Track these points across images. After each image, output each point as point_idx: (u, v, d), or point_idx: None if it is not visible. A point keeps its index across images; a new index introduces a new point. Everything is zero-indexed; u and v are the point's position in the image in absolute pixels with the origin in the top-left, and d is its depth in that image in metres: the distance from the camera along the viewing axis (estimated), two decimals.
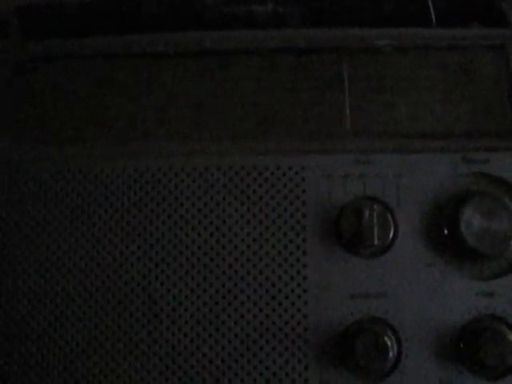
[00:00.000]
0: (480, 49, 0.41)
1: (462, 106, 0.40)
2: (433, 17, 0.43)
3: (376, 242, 0.37)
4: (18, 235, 0.39)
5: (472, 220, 0.37)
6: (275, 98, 0.41)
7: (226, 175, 0.39)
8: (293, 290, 0.37)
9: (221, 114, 0.41)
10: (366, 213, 0.37)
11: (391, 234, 0.37)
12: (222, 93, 0.41)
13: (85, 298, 0.38)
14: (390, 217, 0.38)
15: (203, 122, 0.40)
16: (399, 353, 0.36)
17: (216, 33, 0.42)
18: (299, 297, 0.37)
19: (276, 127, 0.40)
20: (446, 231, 0.38)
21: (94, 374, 0.37)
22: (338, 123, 0.40)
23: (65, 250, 0.39)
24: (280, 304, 0.37)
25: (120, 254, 0.38)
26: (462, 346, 0.36)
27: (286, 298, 0.37)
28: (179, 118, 0.41)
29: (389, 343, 0.36)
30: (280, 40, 0.42)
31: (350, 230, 0.37)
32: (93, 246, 0.39)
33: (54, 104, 0.42)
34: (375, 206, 0.37)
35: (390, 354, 0.36)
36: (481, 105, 0.40)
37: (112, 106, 0.41)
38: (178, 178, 0.39)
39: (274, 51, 0.42)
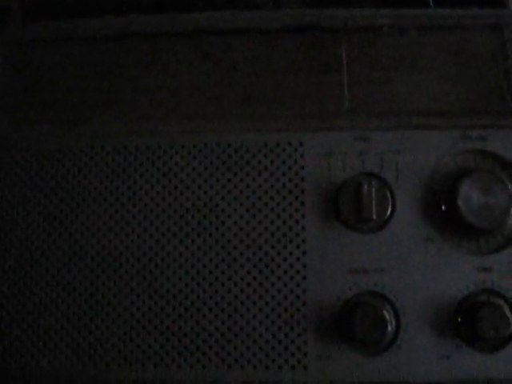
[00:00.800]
0: (477, 29, 0.41)
1: (459, 85, 0.40)
2: None
3: (374, 217, 0.37)
4: (20, 213, 0.40)
5: (469, 196, 0.37)
6: (274, 77, 0.41)
7: (226, 152, 0.39)
8: (292, 265, 0.38)
9: (220, 92, 0.41)
10: (365, 188, 0.37)
11: (389, 210, 0.38)
12: (221, 72, 0.41)
13: (85, 272, 0.38)
14: (388, 193, 0.38)
15: (202, 100, 0.41)
16: (397, 327, 0.37)
17: (214, 13, 0.43)
18: (298, 272, 0.37)
19: (275, 105, 0.40)
20: (443, 207, 0.38)
21: (94, 347, 0.37)
22: (337, 102, 0.40)
23: (66, 226, 0.39)
24: (279, 278, 0.37)
25: (120, 229, 0.39)
26: (459, 320, 0.37)
27: (285, 272, 0.37)
28: (178, 98, 0.41)
29: (387, 317, 0.36)
30: (279, 20, 0.42)
31: (348, 206, 0.38)
32: (93, 222, 0.39)
33: (54, 85, 0.42)
34: (373, 182, 0.38)
35: (389, 328, 0.36)
36: (478, 83, 0.40)
37: (111, 87, 0.42)
38: (178, 155, 0.39)
39: (273, 31, 0.42)
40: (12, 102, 0.42)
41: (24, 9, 0.47)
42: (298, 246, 0.38)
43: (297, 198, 0.38)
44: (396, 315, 0.37)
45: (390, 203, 0.38)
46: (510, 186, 0.37)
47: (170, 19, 0.43)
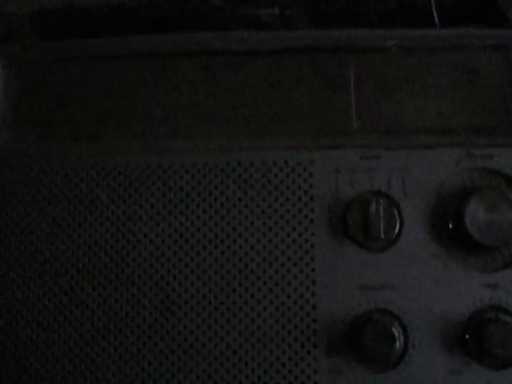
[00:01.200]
0: (483, 49, 0.42)
1: (466, 104, 0.41)
2: (436, 18, 0.45)
3: (382, 235, 0.38)
4: (25, 230, 0.40)
5: (476, 213, 0.37)
6: (283, 97, 0.42)
7: (236, 171, 0.40)
8: (302, 283, 0.38)
9: (229, 111, 0.42)
10: (373, 207, 0.38)
11: (397, 228, 0.38)
12: (231, 91, 0.42)
13: (97, 292, 0.39)
14: (395, 211, 0.39)
15: (212, 119, 0.42)
16: (406, 343, 0.37)
17: (224, 33, 0.43)
18: (308, 289, 0.38)
19: (284, 124, 0.41)
20: (450, 225, 0.38)
21: (102, 365, 0.38)
22: (345, 121, 0.41)
23: (73, 245, 0.40)
24: (289, 296, 0.38)
25: (132, 248, 0.39)
26: (467, 336, 0.37)
27: (295, 290, 0.38)
28: (188, 116, 0.42)
29: (396, 333, 0.37)
30: (287, 41, 0.43)
31: (356, 224, 0.38)
32: (102, 241, 0.40)
33: (62, 103, 0.43)
34: (381, 201, 0.38)
35: (397, 345, 0.37)
36: (484, 103, 0.41)
37: (120, 105, 0.42)
38: (188, 174, 0.40)
39: (282, 52, 0.43)
40: (20, 120, 0.43)
41: (35, 27, 0.48)
42: (307, 264, 0.38)
43: (306, 216, 0.39)
44: (405, 332, 0.37)
45: (398, 221, 0.38)
46: None
47: (179, 39, 0.43)
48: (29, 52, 0.45)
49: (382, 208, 0.38)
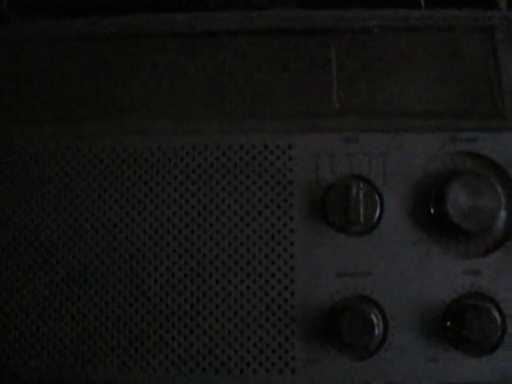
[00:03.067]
0: (468, 30, 0.41)
1: (449, 87, 0.40)
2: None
3: (362, 220, 0.37)
4: (8, 214, 0.40)
5: (458, 198, 0.37)
6: (263, 78, 0.41)
7: (214, 154, 0.39)
8: (280, 268, 0.37)
9: (209, 93, 0.41)
10: (353, 191, 0.37)
11: (377, 213, 0.38)
12: (211, 72, 0.41)
13: (74, 275, 0.38)
14: (376, 195, 0.38)
15: (190, 101, 0.41)
16: (385, 330, 0.37)
17: (206, 14, 0.42)
18: (286, 275, 0.37)
19: (264, 106, 0.40)
20: (432, 210, 0.38)
21: (84, 350, 0.37)
22: (326, 103, 0.40)
23: (54, 226, 0.39)
24: (267, 282, 0.37)
25: (106, 231, 0.39)
26: (447, 323, 0.36)
27: (273, 275, 0.37)
28: (168, 98, 0.41)
29: (375, 321, 0.36)
30: (269, 20, 0.42)
31: (336, 209, 0.37)
32: (80, 223, 0.39)
33: (43, 85, 0.42)
34: (362, 185, 0.37)
35: (376, 332, 0.36)
36: (468, 85, 0.40)
37: (103, 87, 0.41)
38: (165, 156, 0.39)
39: (263, 32, 0.42)
40: (2, 101, 0.42)
41: (13, 7, 0.46)
42: (285, 249, 0.37)
43: (285, 200, 0.38)
44: (384, 319, 0.37)
45: (379, 206, 0.38)
46: (499, 189, 0.37)
47: (162, 19, 0.42)
48: (6, 31, 0.44)
49: (362, 192, 0.37)
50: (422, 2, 0.44)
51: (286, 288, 0.37)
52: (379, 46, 0.41)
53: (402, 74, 0.40)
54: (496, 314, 0.36)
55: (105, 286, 0.38)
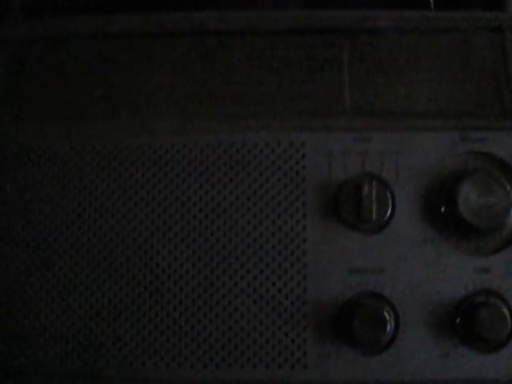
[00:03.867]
0: (478, 31, 0.42)
1: (460, 87, 0.41)
2: (431, 0, 0.44)
3: (374, 217, 0.37)
4: (21, 210, 0.40)
5: (469, 197, 0.37)
6: (276, 77, 0.41)
7: (227, 152, 0.39)
8: (292, 265, 0.38)
9: (222, 92, 0.41)
10: (365, 189, 0.38)
11: (389, 211, 0.38)
12: (222, 71, 0.41)
13: (86, 272, 0.39)
14: (388, 193, 0.38)
15: (203, 99, 0.41)
16: (396, 327, 0.37)
17: (217, 13, 0.43)
18: (298, 271, 0.38)
19: (277, 105, 0.40)
20: (443, 208, 0.38)
21: (93, 344, 0.38)
22: (338, 102, 0.40)
23: (64, 224, 0.39)
24: (279, 278, 0.38)
25: (119, 230, 0.39)
26: (458, 320, 0.37)
27: (286, 272, 0.38)
28: (180, 97, 0.41)
29: (386, 317, 0.36)
30: (279, 21, 0.42)
31: (348, 206, 0.38)
32: (90, 221, 0.39)
33: (54, 83, 0.42)
34: (374, 183, 0.38)
35: (388, 328, 0.36)
36: (478, 85, 0.41)
37: (111, 85, 0.42)
38: (179, 154, 0.39)
39: (274, 32, 0.42)
40: (7, 99, 0.42)
41: (23, 5, 0.47)
42: (298, 246, 0.38)
43: (298, 198, 0.38)
44: (395, 315, 0.37)
45: (390, 204, 0.38)
46: (508, 188, 0.37)
47: (169, 18, 0.43)
48: (14, 30, 0.44)
49: (374, 190, 0.38)
50: (432, 4, 0.44)
51: (299, 284, 0.38)
52: (390, 46, 0.41)
53: (413, 74, 0.41)
54: (506, 311, 0.36)
55: (117, 281, 0.38)
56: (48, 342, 0.38)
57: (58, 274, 0.39)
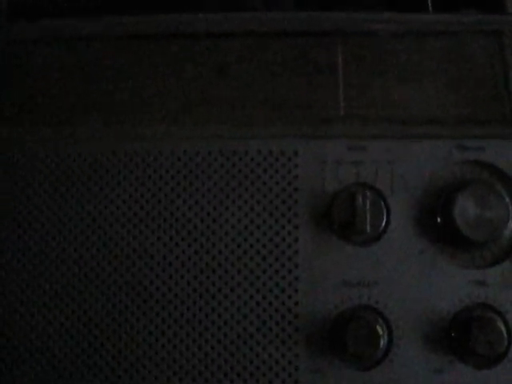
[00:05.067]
0: (476, 35, 0.40)
1: (457, 93, 0.39)
2: (429, 3, 0.43)
3: (368, 229, 0.36)
4: (8, 217, 0.39)
5: (465, 208, 0.36)
6: (268, 82, 0.40)
7: (218, 160, 0.38)
8: (284, 277, 0.37)
9: (211, 97, 0.40)
10: (359, 200, 0.36)
11: (384, 222, 0.37)
12: (213, 76, 0.40)
13: (74, 284, 0.38)
14: (382, 204, 0.37)
15: (192, 105, 0.40)
16: (390, 341, 0.36)
17: (208, 15, 0.41)
18: (290, 284, 0.37)
19: (269, 111, 0.39)
20: (439, 219, 0.37)
21: (81, 358, 0.37)
22: (332, 108, 0.39)
23: (53, 230, 0.38)
24: (271, 291, 0.37)
25: (107, 239, 0.38)
26: (453, 334, 0.36)
27: (277, 284, 0.37)
28: (169, 101, 0.40)
29: (380, 331, 0.35)
30: (272, 23, 0.41)
31: (342, 217, 0.37)
32: (79, 230, 0.38)
33: (39, 86, 0.41)
34: (368, 193, 0.37)
35: (381, 343, 0.35)
36: (476, 91, 0.39)
37: (100, 89, 0.40)
38: (167, 162, 0.38)
39: (267, 34, 0.41)
40: None
41: (12, 7, 0.45)
42: (290, 258, 0.37)
43: (290, 208, 0.37)
44: (389, 329, 0.36)
45: (385, 215, 0.37)
46: (506, 199, 0.36)
47: (160, 21, 0.41)
48: (4, 32, 0.42)
49: (368, 201, 0.37)
50: (430, 6, 0.43)
51: (290, 297, 0.37)
52: (386, 50, 0.40)
53: (409, 79, 0.40)
54: (501, 326, 0.35)
55: (104, 292, 0.37)
56: (34, 356, 0.37)
57: (44, 284, 0.38)
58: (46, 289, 0.38)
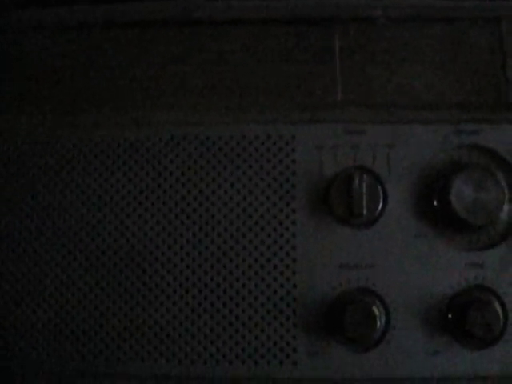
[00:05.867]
0: (474, 20, 0.41)
1: (454, 78, 0.40)
2: None
3: (365, 212, 0.37)
4: (11, 204, 0.39)
5: (462, 191, 0.36)
6: (266, 68, 0.40)
7: (216, 145, 0.39)
8: (282, 260, 0.37)
9: (210, 83, 0.40)
10: (356, 183, 0.37)
11: (380, 205, 0.37)
12: (212, 62, 0.41)
13: (73, 263, 0.38)
14: (379, 187, 0.37)
15: (192, 91, 0.40)
16: (387, 323, 0.36)
17: (205, 2, 0.42)
18: (288, 266, 0.37)
19: (266, 97, 0.40)
20: (436, 202, 0.37)
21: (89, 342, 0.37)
22: (330, 93, 0.40)
23: (53, 218, 0.39)
24: (269, 273, 0.37)
25: (107, 224, 0.38)
26: (450, 316, 0.36)
27: (275, 267, 0.37)
28: (167, 88, 0.40)
29: (377, 313, 0.36)
30: (271, 9, 0.41)
31: (339, 200, 0.37)
32: (81, 214, 0.38)
33: (40, 75, 0.41)
34: (365, 176, 0.37)
35: (378, 324, 0.36)
36: (474, 77, 0.40)
37: (99, 77, 0.41)
38: (167, 147, 0.39)
39: (265, 21, 0.41)
40: None
41: None
42: (288, 241, 0.37)
43: (288, 192, 0.38)
44: (386, 311, 0.37)
45: (382, 198, 0.37)
46: (503, 182, 0.37)
47: (160, 7, 0.42)
48: (2, 20, 0.43)
49: (365, 184, 0.37)
50: None
51: (288, 280, 0.37)
52: (383, 35, 0.40)
53: (407, 64, 0.40)
54: (498, 308, 0.36)
55: (107, 276, 0.38)
56: (41, 341, 0.38)
57: (50, 272, 0.38)
58: (50, 275, 0.38)
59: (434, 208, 0.37)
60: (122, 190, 0.39)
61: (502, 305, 0.36)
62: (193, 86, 0.40)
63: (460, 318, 0.36)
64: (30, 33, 0.42)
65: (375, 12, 0.40)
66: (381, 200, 0.37)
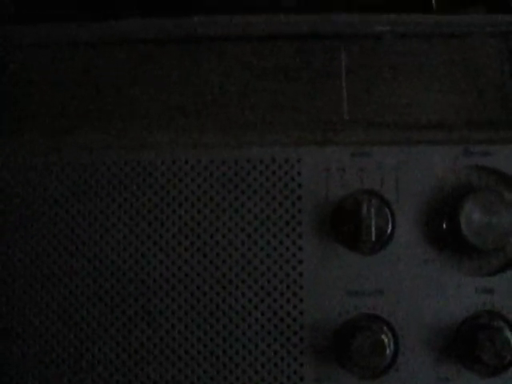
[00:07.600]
0: (482, 36, 0.40)
1: (463, 96, 0.39)
2: (433, 3, 0.42)
3: (373, 237, 0.36)
4: (12, 227, 0.38)
5: (472, 215, 0.36)
6: (270, 87, 0.39)
7: (219, 168, 0.38)
8: (288, 287, 0.36)
9: (212, 103, 0.39)
10: (364, 207, 0.36)
11: (389, 230, 0.37)
12: (215, 81, 0.39)
13: (76, 291, 0.37)
14: (388, 211, 0.37)
15: (194, 112, 0.39)
16: (396, 350, 0.36)
17: (210, 18, 0.40)
18: (295, 293, 0.36)
19: (271, 117, 0.39)
20: (445, 226, 0.37)
21: (86, 368, 0.36)
22: (336, 114, 0.39)
23: (56, 241, 0.38)
24: (275, 301, 0.36)
25: (108, 248, 0.37)
26: (459, 342, 0.36)
27: (282, 294, 0.36)
28: (169, 110, 0.39)
29: (385, 340, 0.35)
30: (275, 25, 0.40)
31: (346, 226, 0.36)
32: (84, 238, 0.38)
33: (38, 93, 0.40)
34: (373, 201, 0.36)
35: (387, 352, 0.35)
36: (483, 95, 0.39)
37: (106, 95, 0.40)
38: (169, 170, 0.38)
39: (269, 37, 0.40)
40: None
41: (16, 11, 0.44)
42: (294, 268, 0.36)
43: (294, 217, 0.37)
44: (395, 338, 0.36)
45: (390, 222, 0.37)
46: None
47: (160, 24, 0.40)
48: (8, 36, 0.42)
49: (373, 209, 0.36)
50: (434, 6, 0.42)
51: (295, 307, 0.36)
52: (390, 52, 0.39)
53: (414, 82, 0.39)
54: (508, 334, 0.35)
55: (109, 301, 0.37)
56: (37, 365, 0.37)
57: (47, 296, 0.37)
58: (53, 295, 0.37)
59: (444, 232, 0.37)
60: (122, 214, 0.38)
61: None
62: (193, 106, 0.39)
63: (470, 344, 0.35)
64: (26, 50, 0.41)
65: (382, 28, 0.39)
66: (389, 225, 0.37)
